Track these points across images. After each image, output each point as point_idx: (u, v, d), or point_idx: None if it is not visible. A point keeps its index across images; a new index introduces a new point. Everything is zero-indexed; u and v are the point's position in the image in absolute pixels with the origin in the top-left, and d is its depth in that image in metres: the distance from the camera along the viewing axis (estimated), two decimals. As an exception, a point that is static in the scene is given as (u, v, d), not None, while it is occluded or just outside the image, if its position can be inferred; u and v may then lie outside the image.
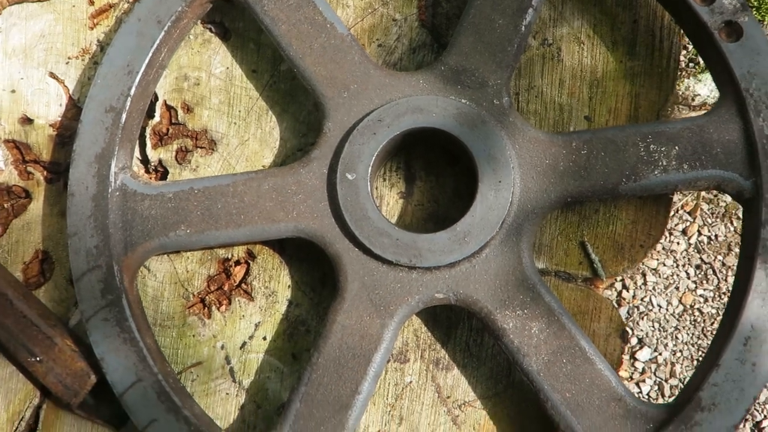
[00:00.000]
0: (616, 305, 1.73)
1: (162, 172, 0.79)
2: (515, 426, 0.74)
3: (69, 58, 0.82)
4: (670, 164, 0.70)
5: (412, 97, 0.72)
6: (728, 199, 1.86)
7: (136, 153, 0.79)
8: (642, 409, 0.67)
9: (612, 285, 1.94)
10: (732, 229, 1.92)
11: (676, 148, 0.70)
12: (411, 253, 0.69)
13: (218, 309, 0.77)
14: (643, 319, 1.99)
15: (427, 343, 0.76)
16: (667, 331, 1.98)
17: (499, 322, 0.69)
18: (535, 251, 0.76)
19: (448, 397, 0.75)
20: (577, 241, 0.77)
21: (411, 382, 0.75)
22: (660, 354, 1.94)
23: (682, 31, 0.77)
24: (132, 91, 0.74)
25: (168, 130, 0.80)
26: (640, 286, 2.00)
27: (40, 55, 0.82)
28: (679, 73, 1.84)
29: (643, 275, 2.01)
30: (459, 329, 0.76)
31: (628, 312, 1.98)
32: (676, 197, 2.00)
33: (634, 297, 2.00)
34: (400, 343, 0.76)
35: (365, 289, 0.70)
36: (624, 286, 1.97)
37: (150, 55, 0.75)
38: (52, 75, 0.81)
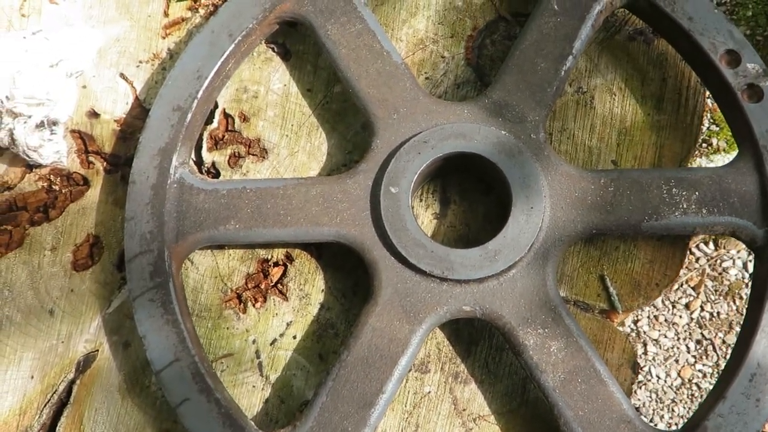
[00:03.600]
0: (631, 339, 1.76)
1: (214, 174, 0.85)
2: (526, 443, 0.77)
3: (140, 62, 0.88)
4: (690, 208, 0.75)
5: (457, 123, 0.78)
6: (732, 278, 1.91)
7: (192, 154, 0.85)
8: (650, 433, 0.71)
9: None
10: (734, 307, 1.95)
11: (697, 193, 0.75)
12: (444, 265, 0.74)
13: (253, 305, 0.81)
14: (641, 388, 2.01)
15: (448, 356, 0.80)
16: (664, 402, 1.99)
17: (520, 338, 0.73)
18: (558, 280, 0.81)
19: (464, 410, 0.78)
20: (597, 275, 0.81)
21: (429, 392, 0.79)
22: (656, 425, 1.95)
23: (707, 92, 0.84)
24: (199, 94, 0.80)
25: (224, 135, 0.86)
26: (640, 356, 2.03)
27: (113, 56, 0.89)
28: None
29: (644, 345, 2.04)
30: (480, 346, 0.80)
31: (626, 380, 1.99)
32: (681, 272, 2.04)
33: (633, 365, 2.01)
34: (422, 354, 0.80)
35: (398, 295, 0.75)
36: (624, 354, 1.99)
37: (219, 64, 0.81)
38: (122, 76, 0.88)
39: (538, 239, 0.75)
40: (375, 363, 0.73)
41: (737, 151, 0.77)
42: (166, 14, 0.90)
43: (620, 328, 0.80)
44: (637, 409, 1.93)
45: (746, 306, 0.74)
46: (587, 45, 0.83)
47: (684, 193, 0.76)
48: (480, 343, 0.80)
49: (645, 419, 1.92)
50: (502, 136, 0.77)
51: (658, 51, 0.86)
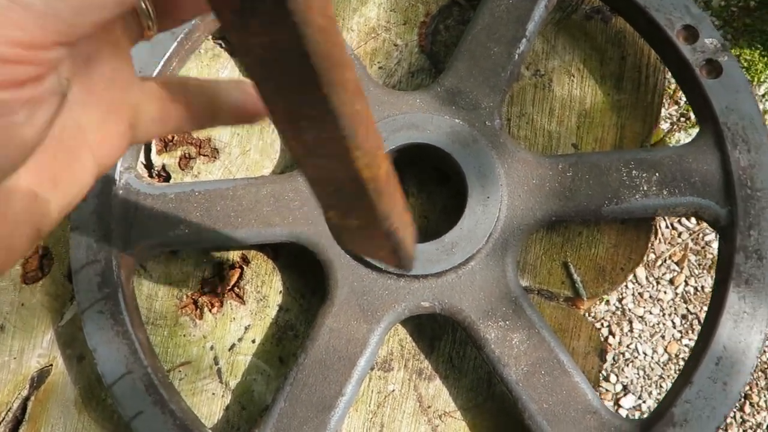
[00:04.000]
0: (597, 325, 1.75)
1: (164, 177, 0.82)
2: (493, 438, 0.76)
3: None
4: (651, 189, 0.73)
5: (409, 113, 0.75)
6: (715, 252, 1.90)
7: (141, 158, 0.82)
8: (616, 423, 0.69)
9: (598, 330, 1.96)
10: (718, 280, 1.93)
11: (657, 174, 0.73)
12: (400, 261, 0.72)
13: (210, 311, 0.79)
14: (628, 366, 2.01)
15: (411, 353, 0.78)
16: (651, 379, 1.99)
17: (481, 332, 0.71)
18: (520, 270, 0.79)
19: (429, 407, 0.77)
20: (561, 262, 0.80)
21: (394, 390, 0.77)
22: (644, 402, 1.95)
23: (666, 69, 0.82)
24: (142, 96, 0.77)
25: (173, 137, 0.83)
26: (626, 333, 2.03)
27: (56, 60, 0.86)
28: (671, 126, 1.89)
29: (630, 322, 2.03)
30: (443, 341, 0.78)
31: (613, 358, 1.99)
32: (664, 247, 2.03)
33: (620, 344, 2.02)
34: (385, 352, 0.78)
35: (354, 294, 0.72)
36: (610, 332, 1.99)
37: (161, 64, 0.78)
38: (66, 80, 0.85)
39: (496, 229, 0.73)
40: (333, 365, 0.71)
41: (698, 129, 0.75)
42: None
43: (586, 315, 0.78)
44: (625, 387, 1.93)
45: (712, 288, 0.73)
46: (542, 26, 0.81)
47: (644, 174, 0.73)
48: (443, 338, 0.78)
49: (634, 397, 1.92)
50: (455, 124, 0.75)
51: (616, 29, 0.84)
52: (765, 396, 1.86)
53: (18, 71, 0.27)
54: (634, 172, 0.74)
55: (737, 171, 0.72)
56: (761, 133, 0.73)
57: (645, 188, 0.73)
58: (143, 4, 0.39)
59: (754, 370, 1.87)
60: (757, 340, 0.69)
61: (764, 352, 1.86)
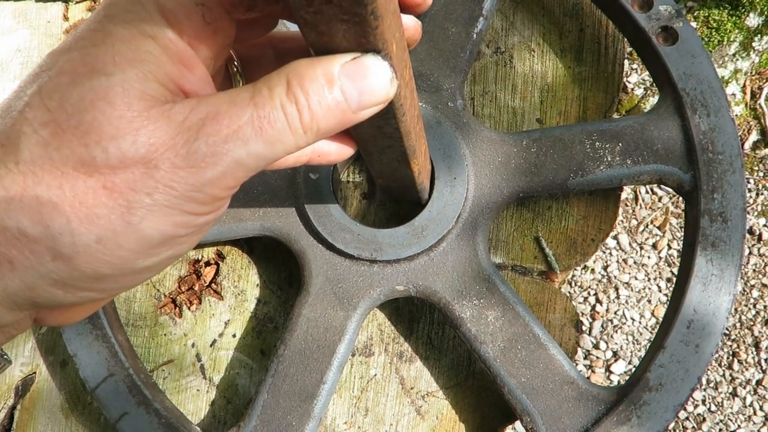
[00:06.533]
0: (568, 295, 1.77)
1: (134, 179, 0.82)
2: (476, 414, 0.77)
3: (44, 71, 0.85)
4: (615, 160, 0.74)
5: (371, 100, 0.76)
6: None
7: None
8: (594, 391, 0.70)
9: (586, 299, 1.99)
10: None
11: (620, 144, 0.74)
12: (372, 247, 0.73)
13: (189, 308, 0.80)
14: (617, 332, 2.03)
15: (390, 337, 0.79)
16: (640, 343, 2.02)
17: (457, 311, 0.72)
18: (493, 247, 0.80)
19: (412, 388, 0.78)
20: (532, 237, 0.80)
21: (376, 374, 0.78)
22: (635, 366, 1.97)
23: (625, 38, 0.82)
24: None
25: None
26: (613, 300, 2.05)
27: (16, 68, 0.85)
28: (645, 92, 1.89)
29: (616, 289, 2.05)
30: (421, 323, 0.79)
31: (602, 325, 2.02)
32: (645, 213, 2.05)
33: (607, 311, 2.04)
34: (364, 338, 0.79)
35: (329, 282, 0.73)
36: (597, 300, 2.01)
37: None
38: (28, 88, 0.85)
39: (465, 210, 0.73)
40: (313, 354, 0.72)
41: (657, 96, 0.76)
42: (65, 18, 0.86)
43: (561, 288, 0.79)
44: (615, 353, 1.95)
45: (680, 253, 0.74)
46: (499, 4, 0.81)
47: (607, 145, 0.74)
48: (421, 320, 0.79)
49: (624, 362, 1.94)
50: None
51: (574, 2, 0.84)
52: (752, 353, 1.89)
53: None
54: (597, 143, 0.74)
55: (698, 136, 0.73)
56: (720, 96, 0.74)
57: (609, 159, 0.74)
58: (233, 68, 0.43)
59: (741, 327, 1.89)
60: (726, 301, 0.70)
61: (750, 308, 1.89)
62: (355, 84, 0.37)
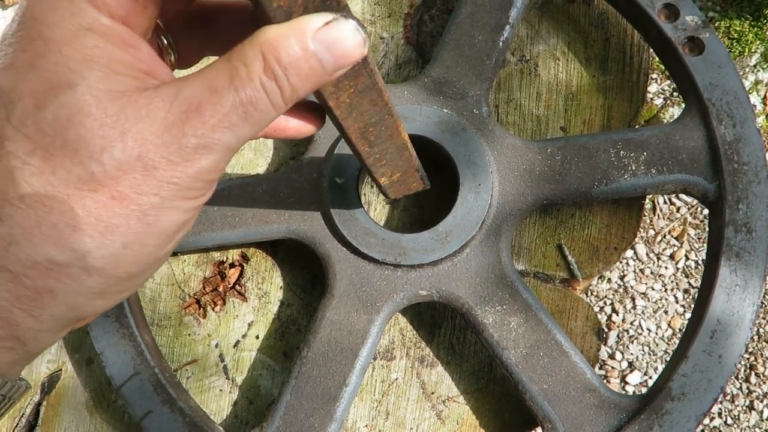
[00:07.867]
0: (590, 303, 1.76)
1: (161, 180, 0.84)
2: (497, 419, 0.77)
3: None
4: (639, 169, 0.74)
5: (398, 105, 0.76)
6: (714, 224, 1.90)
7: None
8: (615, 399, 0.70)
9: (602, 309, 1.98)
10: (718, 253, 1.93)
11: (645, 153, 0.74)
12: (396, 252, 0.73)
13: (213, 309, 0.81)
14: (633, 342, 2.02)
15: (412, 341, 0.79)
16: (656, 354, 2.01)
17: (479, 317, 0.73)
18: (515, 254, 0.80)
19: (433, 393, 0.78)
20: (555, 244, 0.81)
21: (397, 378, 0.79)
22: (650, 377, 1.97)
23: (650, 48, 0.82)
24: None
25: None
26: (629, 310, 2.04)
27: None
28: (665, 101, 1.89)
29: (632, 299, 2.04)
30: (443, 328, 0.79)
31: (618, 336, 2.01)
32: (662, 223, 2.04)
33: (623, 321, 2.03)
34: (386, 342, 0.79)
35: (353, 286, 0.74)
36: (614, 310, 2.01)
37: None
38: None
39: (489, 216, 0.74)
40: (336, 356, 0.73)
41: (683, 106, 0.76)
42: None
43: (582, 296, 0.80)
44: (631, 363, 1.95)
45: (704, 262, 0.74)
46: (525, 12, 0.82)
47: (632, 154, 0.75)
48: (443, 325, 0.80)
49: (640, 373, 1.93)
50: (443, 114, 0.76)
51: (599, 11, 0.85)
52: (770, 365, 1.88)
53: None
54: (622, 152, 0.75)
55: (723, 146, 0.73)
56: (745, 107, 0.74)
57: (633, 168, 0.74)
58: (165, 41, 0.43)
59: (759, 340, 1.88)
60: (750, 311, 0.70)
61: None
62: (331, 51, 0.37)
